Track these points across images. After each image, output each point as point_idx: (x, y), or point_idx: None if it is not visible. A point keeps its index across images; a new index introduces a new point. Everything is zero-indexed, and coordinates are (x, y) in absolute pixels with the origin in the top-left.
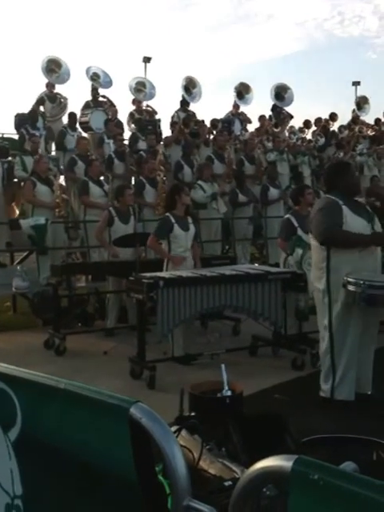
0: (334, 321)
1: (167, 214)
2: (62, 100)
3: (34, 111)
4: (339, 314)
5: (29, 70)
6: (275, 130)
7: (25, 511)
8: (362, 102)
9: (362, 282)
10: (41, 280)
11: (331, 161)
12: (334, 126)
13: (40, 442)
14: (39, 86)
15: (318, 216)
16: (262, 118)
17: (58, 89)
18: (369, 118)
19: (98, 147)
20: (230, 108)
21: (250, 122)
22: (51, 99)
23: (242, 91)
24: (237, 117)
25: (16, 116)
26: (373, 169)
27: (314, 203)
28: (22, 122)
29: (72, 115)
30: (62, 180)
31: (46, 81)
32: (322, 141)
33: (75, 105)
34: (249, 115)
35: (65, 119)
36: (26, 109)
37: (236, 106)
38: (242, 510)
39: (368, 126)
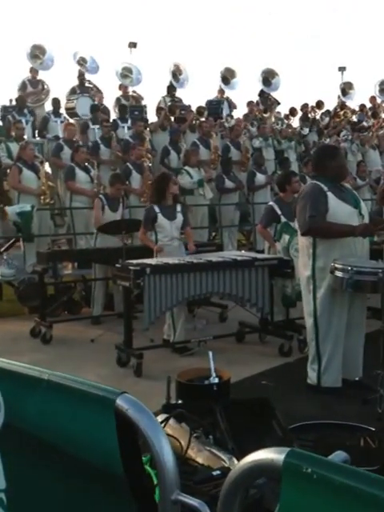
0: (318, 307)
1: (152, 204)
2: (45, 86)
3: (22, 98)
4: (323, 301)
5: (13, 56)
6: (264, 115)
7: (8, 505)
8: (347, 88)
9: (349, 267)
10: (27, 267)
11: (318, 145)
12: (320, 114)
13: (24, 435)
14: (24, 72)
15: (302, 204)
16: (250, 103)
17: (42, 75)
18: (355, 103)
19: (82, 133)
20: (215, 94)
21: (235, 107)
22: (33, 84)
23: (228, 76)
24: (226, 100)
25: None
26: (356, 154)
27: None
28: (7, 112)
29: (56, 101)
30: (47, 167)
31: (30, 66)
32: (306, 130)
33: (61, 90)
34: (235, 100)
35: (47, 106)
36: (7, 96)
37: (221, 91)
38: (232, 504)
39: (353, 111)
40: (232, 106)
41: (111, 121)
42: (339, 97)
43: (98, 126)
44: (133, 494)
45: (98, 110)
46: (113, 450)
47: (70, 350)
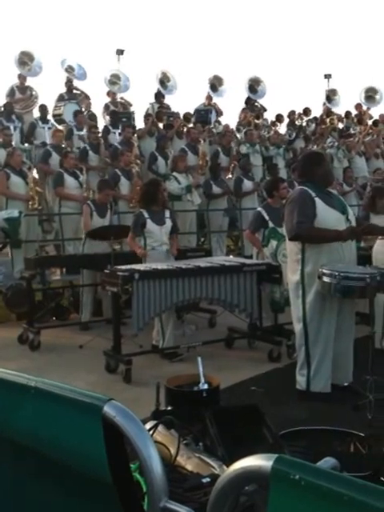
0: (308, 312)
1: (141, 209)
2: (34, 93)
3: (10, 103)
4: (313, 306)
5: (1, 63)
6: (257, 121)
7: None
8: (331, 95)
9: (337, 273)
10: (15, 273)
11: (304, 152)
12: (306, 120)
13: (11, 442)
14: (12, 78)
15: (289, 209)
16: (244, 110)
17: (31, 82)
18: (341, 110)
19: (67, 139)
20: (203, 100)
21: (221, 113)
22: (22, 91)
23: (216, 84)
24: (213, 107)
25: None
26: (343, 161)
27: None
28: None
29: (43, 107)
30: (34, 173)
31: (18, 73)
32: (293, 135)
33: (49, 97)
34: (221, 106)
35: (35, 112)
36: None
37: (209, 98)
38: (220, 511)
39: (339, 118)
40: (219, 113)
41: (103, 127)
42: (324, 103)
43: (81, 132)
44: (121, 501)
45: (81, 113)
46: (100, 458)
47: (59, 357)
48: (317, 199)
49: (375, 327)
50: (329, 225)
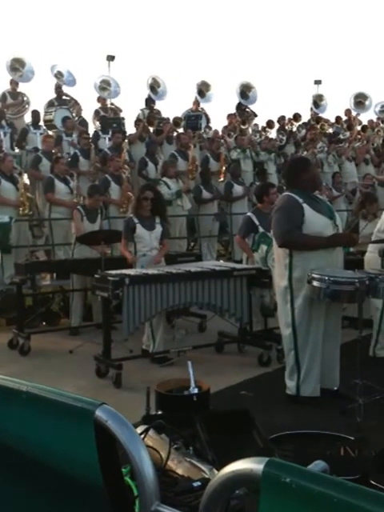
0: (297, 317)
1: (131, 214)
2: (25, 98)
3: (1, 109)
4: (301, 311)
5: None
6: (243, 126)
7: None
8: (318, 100)
9: (326, 277)
10: (5, 279)
11: (291, 157)
12: (296, 126)
13: (2, 446)
14: (4, 84)
15: (277, 216)
16: (230, 115)
17: (22, 87)
18: (330, 115)
19: (56, 144)
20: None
21: (209, 119)
22: (13, 96)
23: (203, 89)
24: (203, 113)
25: None
26: (333, 166)
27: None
28: None
29: (35, 113)
30: (25, 178)
31: (10, 78)
32: (283, 140)
33: (39, 103)
34: (210, 112)
35: (27, 118)
36: None
37: (196, 103)
38: None
39: (329, 123)
40: (207, 118)
41: (93, 132)
42: (312, 109)
43: (70, 138)
44: (113, 505)
45: (70, 119)
46: (92, 462)
47: (49, 362)
48: (304, 205)
49: (367, 333)
50: (316, 230)
